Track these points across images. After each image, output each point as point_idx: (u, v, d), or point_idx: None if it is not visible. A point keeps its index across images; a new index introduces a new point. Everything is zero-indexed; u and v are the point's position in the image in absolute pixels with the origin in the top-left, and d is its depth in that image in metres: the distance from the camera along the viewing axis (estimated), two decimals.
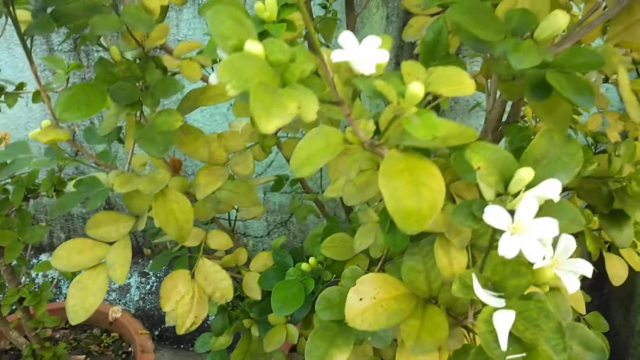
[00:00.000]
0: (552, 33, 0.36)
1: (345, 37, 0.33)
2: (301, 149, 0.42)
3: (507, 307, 0.35)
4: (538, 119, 0.60)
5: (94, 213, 0.61)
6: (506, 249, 0.32)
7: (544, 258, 0.42)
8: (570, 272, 0.41)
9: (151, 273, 1.62)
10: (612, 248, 0.74)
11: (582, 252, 0.58)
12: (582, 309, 0.69)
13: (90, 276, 0.64)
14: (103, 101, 0.52)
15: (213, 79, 0.33)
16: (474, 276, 0.36)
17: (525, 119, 0.60)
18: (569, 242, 0.42)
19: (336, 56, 0.32)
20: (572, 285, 0.40)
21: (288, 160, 0.85)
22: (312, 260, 0.68)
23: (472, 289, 0.36)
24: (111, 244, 0.65)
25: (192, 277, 0.70)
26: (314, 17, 0.79)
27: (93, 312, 0.62)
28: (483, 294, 0.35)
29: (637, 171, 0.43)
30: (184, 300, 0.68)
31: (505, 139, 0.46)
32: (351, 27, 0.86)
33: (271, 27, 0.47)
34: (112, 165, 0.65)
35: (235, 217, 0.83)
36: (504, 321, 0.33)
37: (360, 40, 0.34)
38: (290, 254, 0.78)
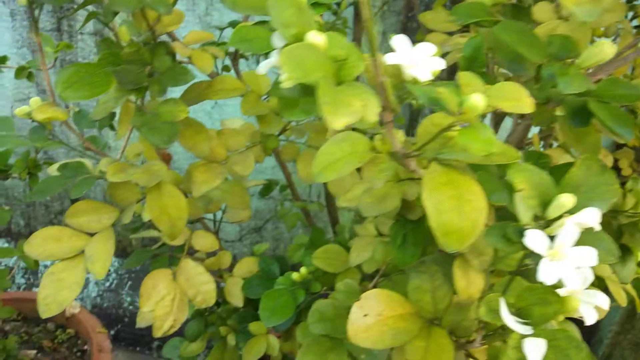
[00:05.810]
0: (596, 62, 0.36)
1: (399, 40, 0.31)
2: (324, 153, 0.40)
3: (534, 335, 0.34)
4: (544, 147, 0.61)
5: (57, 201, 0.55)
6: (546, 275, 0.31)
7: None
8: (587, 303, 0.40)
9: (112, 269, 1.55)
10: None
11: None
12: None
13: (66, 268, 0.59)
14: (107, 83, 0.49)
15: (263, 68, 0.30)
16: (501, 301, 0.35)
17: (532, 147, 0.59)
18: (587, 273, 0.41)
19: (390, 59, 0.30)
20: (590, 317, 0.40)
21: (282, 165, 0.83)
22: (303, 269, 0.66)
23: (498, 313, 0.35)
24: (92, 235, 0.60)
25: (174, 277, 0.66)
26: (324, 22, 0.78)
27: (66, 306, 0.58)
28: (511, 320, 0.34)
29: None
30: (164, 302, 0.64)
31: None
32: (358, 37, 0.85)
33: None
34: (102, 152, 0.61)
35: (221, 219, 0.79)
36: (536, 349, 0.32)
37: None
38: (277, 261, 0.75)
